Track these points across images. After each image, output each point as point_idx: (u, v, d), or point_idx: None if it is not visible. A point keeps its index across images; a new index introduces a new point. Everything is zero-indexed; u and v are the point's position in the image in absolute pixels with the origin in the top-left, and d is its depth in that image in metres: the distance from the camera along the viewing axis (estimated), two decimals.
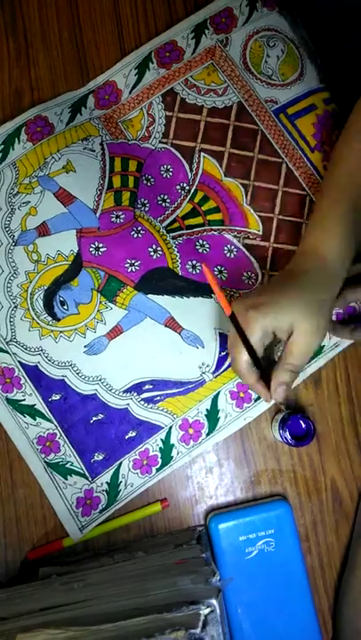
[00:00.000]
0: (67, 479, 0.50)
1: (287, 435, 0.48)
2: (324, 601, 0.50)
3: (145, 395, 0.52)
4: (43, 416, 0.51)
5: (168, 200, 0.56)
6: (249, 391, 0.52)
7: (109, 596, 0.39)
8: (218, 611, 0.35)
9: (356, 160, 0.47)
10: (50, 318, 0.53)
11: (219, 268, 0.55)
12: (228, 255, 0.55)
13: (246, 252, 0.56)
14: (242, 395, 0.52)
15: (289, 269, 0.46)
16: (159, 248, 0.54)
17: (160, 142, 0.57)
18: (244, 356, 0.43)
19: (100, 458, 0.51)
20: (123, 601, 0.38)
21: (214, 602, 0.35)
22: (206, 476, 0.52)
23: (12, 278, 0.54)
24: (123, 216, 0.55)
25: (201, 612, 0.35)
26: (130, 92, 0.58)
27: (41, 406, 0.52)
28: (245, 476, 0.52)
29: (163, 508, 0.50)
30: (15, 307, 0.53)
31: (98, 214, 0.54)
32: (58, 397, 0.52)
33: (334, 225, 0.45)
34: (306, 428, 0.49)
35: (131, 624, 0.35)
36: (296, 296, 0.42)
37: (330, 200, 0.47)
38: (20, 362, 0.52)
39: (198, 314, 0.53)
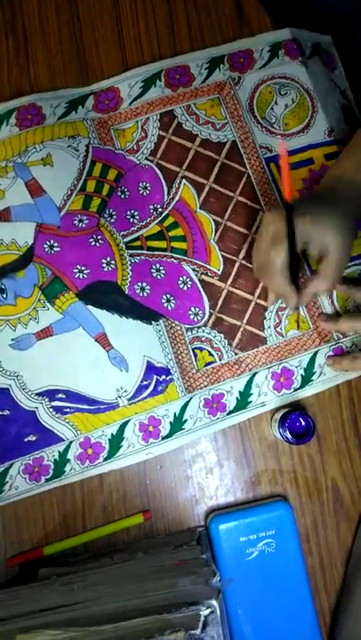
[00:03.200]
0: None
1: (287, 433, 0.48)
2: (325, 602, 0.50)
3: (56, 403, 0.51)
4: None
5: (137, 217, 0.55)
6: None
7: (109, 596, 0.39)
8: (218, 612, 0.35)
9: None
10: None
11: (168, 296, 0.54)
12: (181, 286, 0.54)
13: (200, 288, 0.55)
14: (151, 429, 0.51)
15: (327, 189, 0.50)
16: (113, 262, 0.54)
17: (146, 159, 0.57)
18: (284, 258, 0.45)
19: None
20: (122, 602, 0.38)
21: (214, 603, 0.36)
22: (206, 477, 0.51)
23: None
24: (86, 221, 0.54)
25: (201, 612, 0.35)
26: (130, 103, 0.58)
27: None
28: (246, 477, 0.51)
29: (145, 520, 0.50)
30: None
31: (62, 213, 0.54)
32: None
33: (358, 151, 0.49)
34: (306, 425, 0.49)
35: (130, 625, 0.35)
36: (338, 217, 0.45)
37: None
38: None
39: (132, 337, 0.52)
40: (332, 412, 0.53)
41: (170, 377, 0.52)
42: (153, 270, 0.54)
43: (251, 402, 0.52)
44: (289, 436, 0.48)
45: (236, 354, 0.53)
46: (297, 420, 0.49)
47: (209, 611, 0.35)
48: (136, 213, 0.56)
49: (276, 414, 0.51)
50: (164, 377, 0.52)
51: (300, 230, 0.44)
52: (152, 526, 0.50)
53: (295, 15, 0.65)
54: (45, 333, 0.52)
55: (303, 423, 0.49)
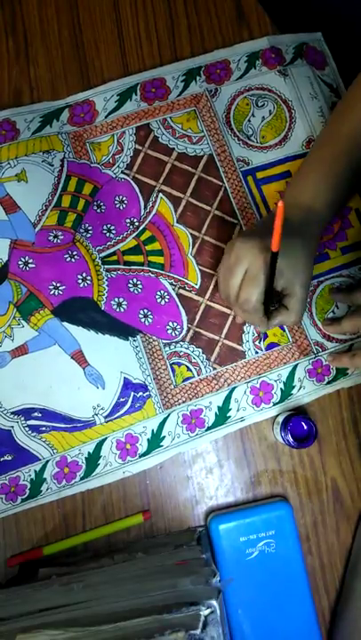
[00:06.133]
0: None
1: (289, 436, 0.48)
2: (325, 601, 0.50)
3: (32, 422, 0.50)
4: None
5: (114, 231, 0.55)
6: (136, 441, 0.50)
7: (109, 596, 0.39)
8: (218, 612, 0.35)
9: (352, 120, 0.49)
10: None
11: (145, 311, 0.54)
12: (158, 300, 0.54)
13: (178, 302, 0.54)
14: (128, 446, 0.50)
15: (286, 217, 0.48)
16: (89, 277, 0.53)
17: (122, 172, 0.56)
18: (260, 297, 0.45)
19: None
20: (122, 602, 0.38)
21: (214, 603, 0.36)
22: (207, 477, 0.51)
23: None
24: (61, 237, 0.54)
25: (201, 612, 0.35)
26: (106, 117, 0.57)
27: None
28: (246, 477, 0.51)
29: (145, 520, 0.49)
30: None
31: (37, 229, 0.53)
32: None
33: (315, 172, 0.48)
34: (308, 429, 0.48)
35: (130, 625, 0.35)
36: (301, 248, 0.45)
37: (313, 153, 0.51)
38: None
39: (109, 353, 0.52)
40: (332, 412, 0.53)
41: (147, 393, 0.51)
42: (130, 285, 0.54)
43: (230, 417, 0.52)
44: (291, 439, 0.48)
45: (214, 368, 0.53)
46: (299, 424, 0.49)
47: (209, 611, 0.35)
48: (112, 228, 0.55)
49: (278, 417, 0.51)
50: (141, 393, 0.51)
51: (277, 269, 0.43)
52: (152, 526, 0.50)
53: (295, 15, 0.65)
54: (20, 351, 0.51)
55: (305, 427, 0.49)
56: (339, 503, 0.51)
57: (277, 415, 0.52)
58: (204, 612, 0.35)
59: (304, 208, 0.47)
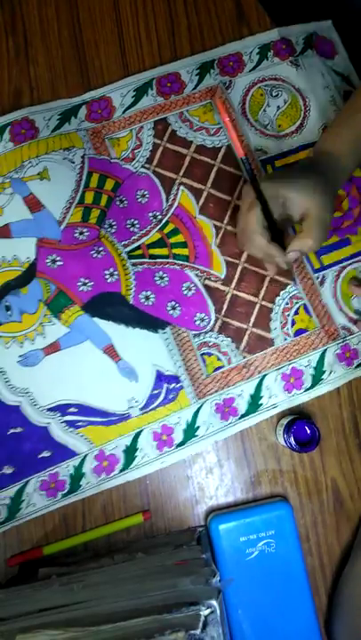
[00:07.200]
0: None
1: (292, 440, 0.48)
2: (325, 602, 0.50)
3: (68, 417, 0.50)
4: None
5: (137, 225, 0.55)
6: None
7: (109, 596, 0.39)
8: (218, 612, 0.35)
9: None
10: None
11: (173, 303, 0.54)
12: (185, 292, 0.54)
13: (204, 293, 0.55)
14: (164, 437, 0.51)
15: (307, 161, 0.50)
16: (116, 272, 0.54)
17: (142, 167, 0.57)
18: (258, 217, 0.47)
19: (9, 472, 0.50)
20: (122, 602, 0.38)
21: (214, 603, 0.35)
22: (207, 477, 0.51)
23: None
24: (87, 233, 0.54)
25: (201, 612, 0.35)
26: (123, 112, 0.58)
27: None
28: (246, 477, 0.51)
29: (145, 520, 0.49)
30: None
31: (62, 227, 0.54)
32: None
33: (348, 132, 0.49)
34: (311, 433, 0.49)
35: (130, 625, 0.35)
36: (314, 179, 0.46)
37: (350, 109, 0.51)
38: None
39: (140, 347, 0.52)
40: (333, 412, 0.53)
41: (180, 384, 0.52)
42: (156, 278, 0.54)
43: (262, 404, 0.52)
44: (293, 442, 0.48)
45: (244, 357, 0.53)
46: (303, 429, 0.49)
47: (209, 611, 0.35)
48: (136, 222, 0.55)
49: (282, 420, 0.51)
50: (174, 385, 0.52)
51: (269, 191, 0.46)
52: (152, 526, 0.50)
53: (295, 14, 0.65)
54: (53, 348, 0.51)
55: (308, 432, 0.49)
56: (339, 503, 0.51)
57: (282, 417, 0.52)
58: (204, 611, 0.35)
59: (332, 156, 0.49)
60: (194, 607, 0.35)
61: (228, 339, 0.54)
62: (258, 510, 0.48)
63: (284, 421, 0.50)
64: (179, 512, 0.50)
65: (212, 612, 0.35)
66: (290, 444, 0.48)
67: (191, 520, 0.50)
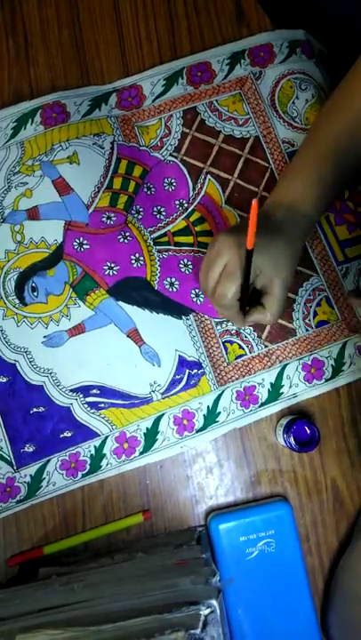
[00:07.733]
0: None
1: (291, 440, 0.48)
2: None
3: (90, 399, 0.51)
4: None
5: (164, 213, 0.56)
6: (191, 418, 0.51)
7: (109, 596, 0.39)
8: (218, 611, 0.35)
9: (340, 120, 0.49)
10: (17, 301, 0.53)
11: (196, 290, 0.54)
12: None
13: None
14: (185, 422, 0.51)
15: (266, 216, 0.47)
16: (142, 258, 0.54)
17: (170, 155, 0.57)
18: (235, 294, 0.45)
19: (31, 450, 0.50)
20: (123, 601, 0.38)
21: (214, 602, 0.36)
22: (206, 477, 0.52)
23: None
24: (114, 218, 0.54)
25: (201, 612, 0.35)
26: (153, 101, 0.58)
27: None
28: (246, 477, 0.52)
29: (145, 519, 0.50)
30: None
31: (90, 211, 0.54)
32: (4, 380, 0.51)
33: (301, 173, 0.48)
34: (311, 433, 0.49)
35: (131, 624, 0.35)
36: (282, 247, 0.45)
37: (300, 154, 0.51)
38: None
39: (163, 332, 0.53)
40: (332, 412, 0.53)
41: (202, 370, 0.52)
42: (181, 265, 0.55)
43: (282, 393, 0.53)
44: (293, 442, 0.48)
45: (266, 346, 0.54)
46: (303, 429, 0.49)
47: (209, 610, 0.35)
48: (162, 209, 0.56)
49: (282, 420, 0.52)
50: (195, 371, 0.52)
51: (254, 266, 0.43)
52: (152, 526, 0.50)
53: (294, 16, 0.65)
54: (78, 330, 0.52)
55: (308, 432, 0.49)
56: (338, 503, 0.51)
57: (281, 417, 0.52)
58: (204, 611, 0.35)
59: (289, 208, 0.47)
60: (194, 607, 0.35)
61: (250, 328, 0.54)
62: (258, 510, 0.48)
63: (284, 421, 0.50)
64: (179, 512, 0.51)
65: (212, 612, 0.35)
66: (290, 443, 0.48)
67: (191, 520, 0.51)
